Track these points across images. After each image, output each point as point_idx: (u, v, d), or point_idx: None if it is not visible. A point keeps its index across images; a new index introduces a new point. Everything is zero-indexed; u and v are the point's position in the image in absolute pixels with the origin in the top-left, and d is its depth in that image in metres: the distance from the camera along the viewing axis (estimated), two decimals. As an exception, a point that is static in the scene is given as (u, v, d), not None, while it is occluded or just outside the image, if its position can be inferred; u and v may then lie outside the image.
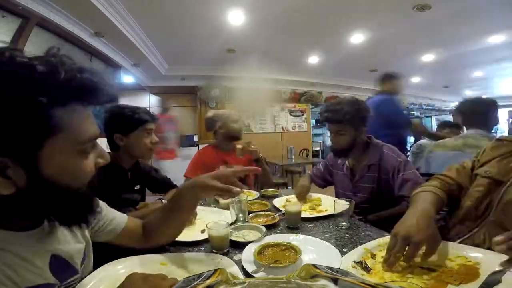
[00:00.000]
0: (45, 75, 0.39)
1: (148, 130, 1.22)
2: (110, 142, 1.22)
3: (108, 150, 1.29)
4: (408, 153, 3.02)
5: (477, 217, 0.79)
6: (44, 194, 0.44)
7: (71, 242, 0.59)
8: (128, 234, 0.75)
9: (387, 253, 0.68)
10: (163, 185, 1.54)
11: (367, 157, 1.37)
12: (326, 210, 1.24)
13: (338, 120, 1.30)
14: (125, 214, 0.78)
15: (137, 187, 1.34)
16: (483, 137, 1.64)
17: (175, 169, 2.97)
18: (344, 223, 1.05)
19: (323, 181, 1.66)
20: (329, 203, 1.33)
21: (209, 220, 1.11)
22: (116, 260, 0.71)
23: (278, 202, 1.38)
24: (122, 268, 0.69)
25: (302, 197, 1.43)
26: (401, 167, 1.28)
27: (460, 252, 0.69)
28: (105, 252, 0.76)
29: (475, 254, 0.67)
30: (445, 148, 1.84)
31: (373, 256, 0.75)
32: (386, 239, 0.81)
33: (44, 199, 0.44)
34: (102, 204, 0.72)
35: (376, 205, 1.34)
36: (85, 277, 0.61)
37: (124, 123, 1.18)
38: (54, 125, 0.41)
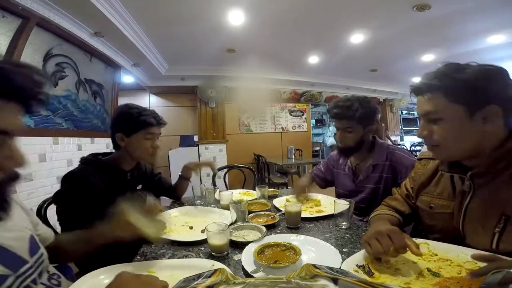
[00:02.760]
0: None
1: (150, 134, 1.19)
2: (114, 141, 1.20)
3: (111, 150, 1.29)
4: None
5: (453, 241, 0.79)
6: None
7: (12, 231, 0.58)
8: (51, 248, 0.74)
9: (374, 259, 0.72)
10: (167, 189, 1.55)
11: (372, 157, 1.34)
12: (326, 210, 1.24)
13: (347, 117, 1.26)
14: (51, 230, 0.79)
15: (139, 187, 1.34)
16: None
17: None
18: (344, 223, 1.05)
19: (324, 182, 1.64)
20: (329, 203, 1.33)
21: (209, 220, 1.12)
22: (99, 269, 0.67)
23: (278, 202, 1.38)
24: (105, 278, 0.66)
25: (300, 196, 1.42)
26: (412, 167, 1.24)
27: (469, 257, 0.67)
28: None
29: None
30: None
31: (378, 260, 0.73)
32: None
33: None
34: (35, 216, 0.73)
35: (373, 205, 1.33)
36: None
37: (128, 123, 1.16)
38: None
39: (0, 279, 0.49)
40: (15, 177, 0.50)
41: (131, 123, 1.15)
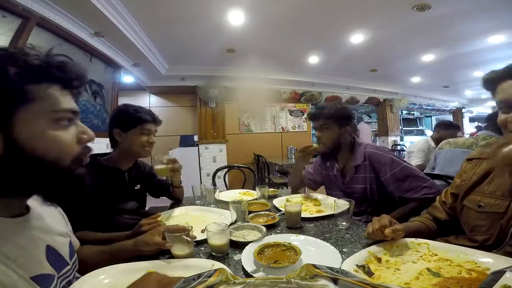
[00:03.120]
0: (20, 56, 0.46)
1: (146, 129, 1.25)
2: (111, 138, 1.26)
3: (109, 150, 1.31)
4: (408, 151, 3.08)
5: (492, 247, 0.77)
6: (21, 163, 0.45)
7: (60, 236, 0.63)
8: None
9: (374, 259, 0.75)
10: (167, 190, 1.55)
11: (353, 158, 1.39)
12: (326, 210, 1.24)
13: (322, 115, 1.39)
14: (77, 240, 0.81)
15: (138, 186, 1.34)
16: (491, 137, 1.74)
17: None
18: (344, 223, 1.05)
19: (314, 183, 1.67)
20: (329, 203, 1.33)
21: (209, 220, 1.12)
22: (98, 269, 0.67)
23: (278, 202, 1.38)
24: (105, 278, 0.65)
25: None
26: (390, 164, 1.28)
27: (469, 257, 0.68)
28: None
29: (486, 259, 0.66)
30: (456, 145, 1.93)
31: (379, 260, 0.73)
32: (390, 242, 0.81)
33: (23, 169, 0.46)
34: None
35: (365, 205, 1.35)
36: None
37: (126, 119, 1.23)
38: (26, 95, 0.46)
39: (49, 279, 0.51)
40: (88, 150, 0.56)
41: (128, 119, 1.23)
